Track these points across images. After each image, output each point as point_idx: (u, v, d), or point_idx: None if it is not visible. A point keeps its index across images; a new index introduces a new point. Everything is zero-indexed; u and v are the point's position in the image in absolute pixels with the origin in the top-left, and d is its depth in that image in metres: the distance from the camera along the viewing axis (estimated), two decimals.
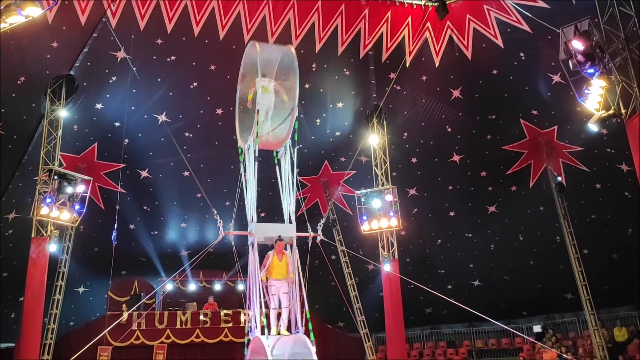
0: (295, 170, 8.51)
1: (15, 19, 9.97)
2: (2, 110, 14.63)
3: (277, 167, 8.85)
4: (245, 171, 8.62)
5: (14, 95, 14.71)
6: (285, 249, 8.19)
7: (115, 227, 14.63)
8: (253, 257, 8.10)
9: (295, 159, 8.48)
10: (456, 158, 18.12)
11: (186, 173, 16.66)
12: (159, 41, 15.69)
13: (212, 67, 16.41)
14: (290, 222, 8.34)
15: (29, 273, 14.02)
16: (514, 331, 15.59)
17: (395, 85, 16.96)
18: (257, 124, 8.16)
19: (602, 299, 16.41)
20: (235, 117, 9.24)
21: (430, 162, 18.27)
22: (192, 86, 16.70)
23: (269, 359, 6.70)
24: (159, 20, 15.40)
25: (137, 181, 17.59)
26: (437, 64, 17.01)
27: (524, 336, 16.28)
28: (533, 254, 18.10)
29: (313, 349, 6.87)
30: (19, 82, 14.71)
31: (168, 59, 16.05)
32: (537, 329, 17.83)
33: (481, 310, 9.28)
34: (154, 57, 15.93)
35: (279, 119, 8.54)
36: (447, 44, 16.74)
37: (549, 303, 18.29)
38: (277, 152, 8.89)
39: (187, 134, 17.24)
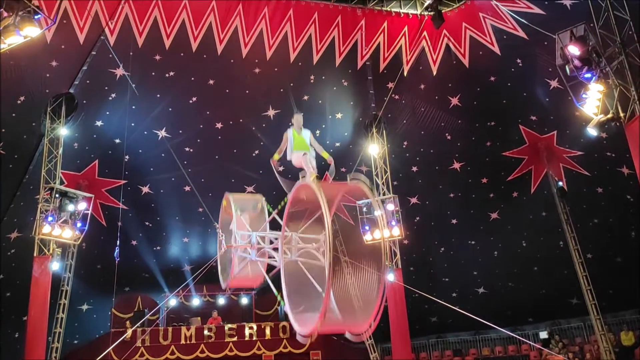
0: None
1: (14, 39, 10.01)
2: (3, 130, 14.67)
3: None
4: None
5: (14, 115, 14.77)
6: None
7: (118, 243, 14.59)
8: None
9: None
10: (456, 165, 18.13)
11: (187, 188, 16.68)
12: (158, 57, 15.77)
13: (211, 82, 16.48)
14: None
15: (32, 292, 13.98)
16: (520, 338, 15.50)
17: (393, 95, 17.01)
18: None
19: (608, 303, 16.34)
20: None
21: (431, 170, 18.28)
22: (191, 101, 16.76)
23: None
24: (157, 37, 15.49)
25: (138, 197, 17.60)
26: (434, 73, 17.08)
27: (531, 343, 16.18)
28: (537, 259, 18.05)
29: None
30: (18, 101, 14.77)
31: (167, 75, 16.12)
32: (543, 335, 17.73)
33: (487, 317, 9.25)
34: (153, 73, 16.01)
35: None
36: (444, 52, 16.83)
37: (555, 309, 18.22)
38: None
39: (187, 149, 17.27)
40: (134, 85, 15.32)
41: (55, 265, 14.70)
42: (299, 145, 8.08)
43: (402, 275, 16.38)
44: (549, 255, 17.72)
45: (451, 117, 17.56)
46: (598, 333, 15.93)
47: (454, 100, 17.28)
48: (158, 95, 16.39)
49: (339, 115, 17.78)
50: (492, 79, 16.56)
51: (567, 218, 16.70)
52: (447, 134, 17.80)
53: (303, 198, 6.97)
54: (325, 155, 8.32)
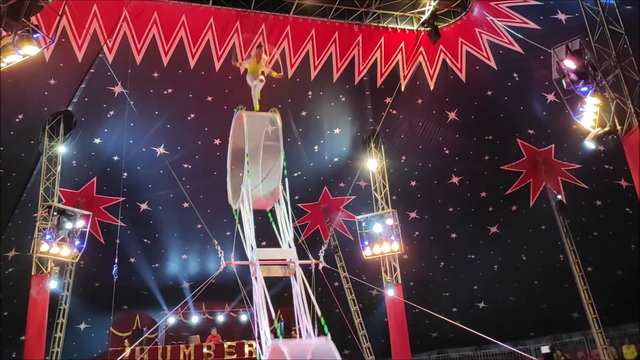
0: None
1: (12, 58, 10.05)
2: (1, 148, 14.68)
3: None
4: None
5: (12, 133, 14.80)
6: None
7: (116, 261, 14.53)
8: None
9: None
10: (455, 180, 18.14)
11: (186, 204, 16.63)
12: (156, 74, 15.84)
13: (209, 99, 16.54)
14: (289, 246, 8.24)
15: (30, 311, 13.87)
16: (522, 353, 15.39)
17: (391, 110, 17.08)
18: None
19: (609, 317, 16.24)
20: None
21: (430, 184, 18.28)
22: (189, 118, 16.80)
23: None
24: (155, 54, 15.58)
25: (136, 214, 17.56)
26: (432, 87, 17.18)
27: (533, 358, 16.02)
28: (537, 273, 17.99)
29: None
30: (17, 119, 14.81)
31: (165, 92, 16.19)
32: (545, 349, 17.55)
33: (488, 332, 9.14)
34: (151, 91, 16.07)
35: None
36: (441, 67, 16.93)
37: (556, 323, 18.11)
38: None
39: (185, 165, 17.28)
40: (132, 103, 15.36)
41: (53, 284, 14.61)
42: (253, 70, 9.30)
43: (402, 291, 16.31)
44: (549, 268, 17.66)
45: (449, 132, 17.62)
46: (600, 347, 15.82)
47: (452, 115, 17.35)
48: (156, 112, 16.44)
49: (337, 131, 17.83)
50: (489, 93, 16.65)
51: (566, 231, 16.67)
52: (445, 149, 17.83)
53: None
54: (275, 74, 9.76)
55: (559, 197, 16.89)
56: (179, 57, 15.75)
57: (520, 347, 17.40)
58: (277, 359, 6.49)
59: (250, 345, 16.71)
